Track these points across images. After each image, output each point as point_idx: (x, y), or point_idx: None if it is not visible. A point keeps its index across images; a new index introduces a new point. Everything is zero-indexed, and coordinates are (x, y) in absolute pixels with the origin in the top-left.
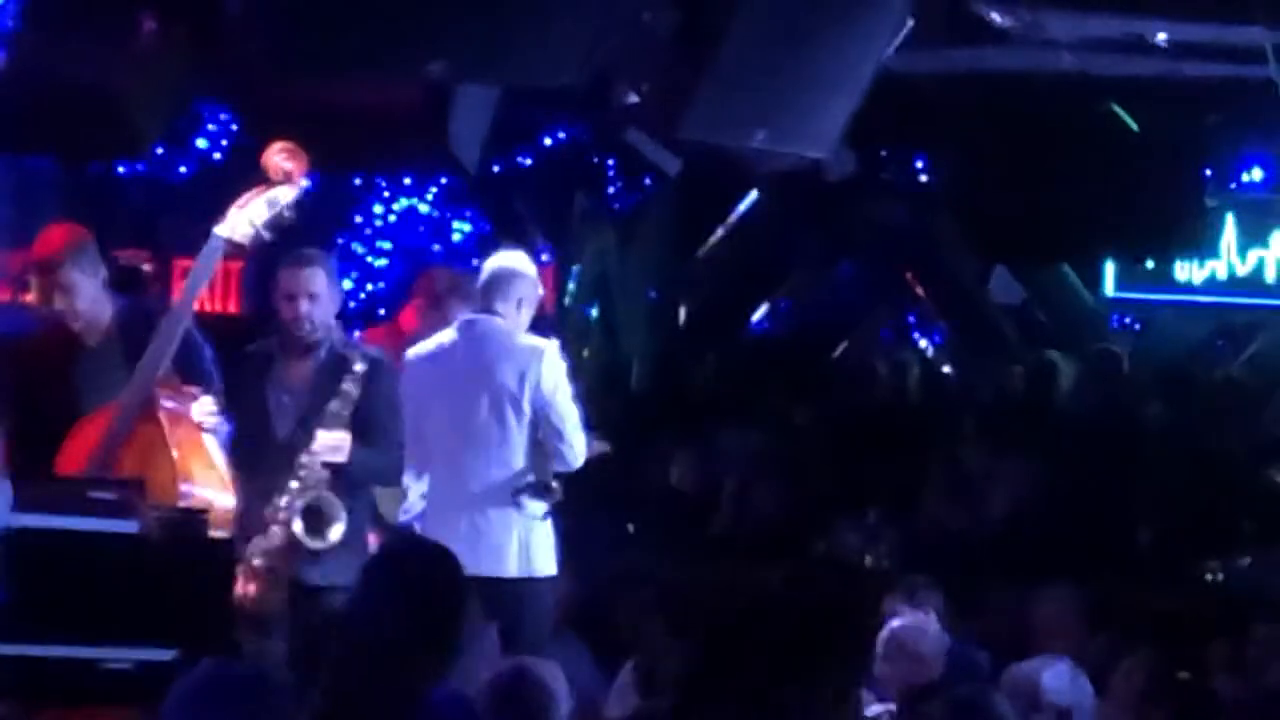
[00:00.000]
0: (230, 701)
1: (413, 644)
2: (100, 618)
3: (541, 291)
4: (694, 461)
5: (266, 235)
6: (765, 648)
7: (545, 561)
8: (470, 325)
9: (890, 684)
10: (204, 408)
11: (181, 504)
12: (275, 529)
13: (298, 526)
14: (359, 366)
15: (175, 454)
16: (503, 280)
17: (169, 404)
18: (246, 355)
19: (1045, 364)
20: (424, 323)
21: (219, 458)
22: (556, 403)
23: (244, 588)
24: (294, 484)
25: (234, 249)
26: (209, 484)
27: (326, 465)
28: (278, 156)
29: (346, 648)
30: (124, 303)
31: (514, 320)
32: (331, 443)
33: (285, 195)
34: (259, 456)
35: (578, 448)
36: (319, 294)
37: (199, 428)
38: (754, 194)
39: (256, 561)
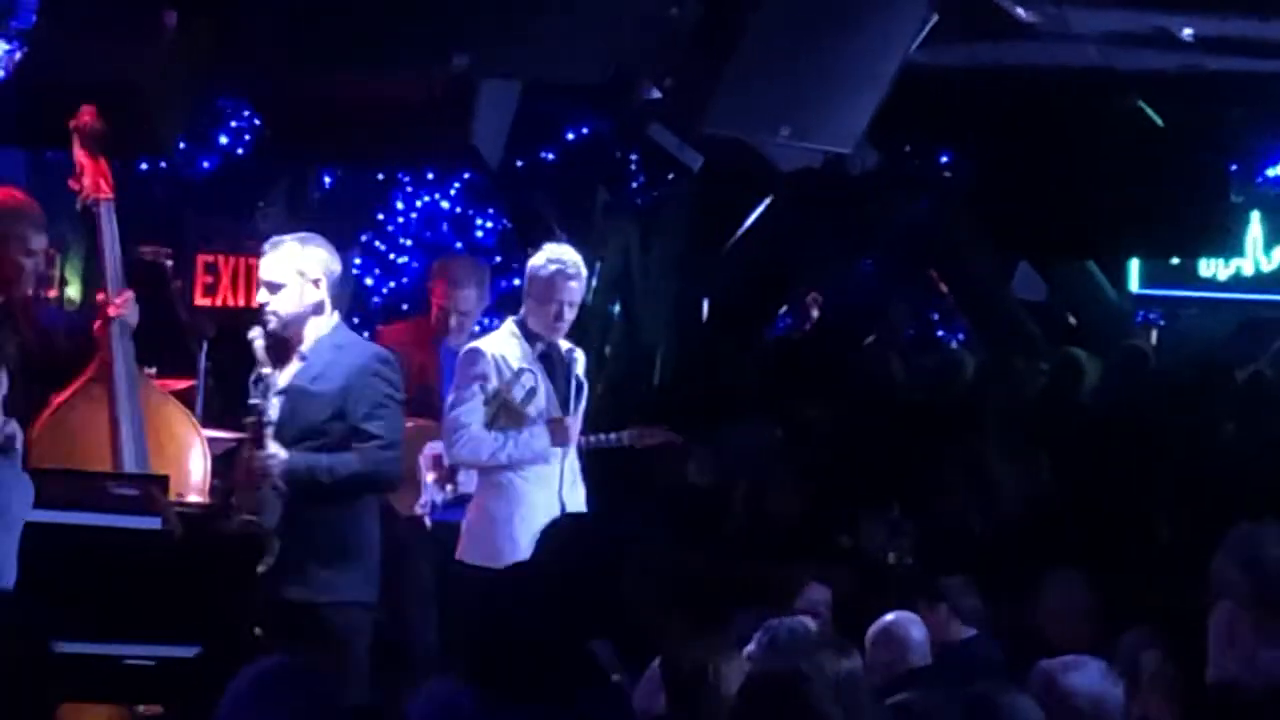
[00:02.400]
0: (286, 697)
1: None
2: (122, 614)
3: (579, 287)
4: (711, 457)
5: None
6: None
7: None
8: None
9: (874, 671)
10: None
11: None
12: None
13: None
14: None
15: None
16: None
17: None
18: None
19: (1069, 360)
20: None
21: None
22: None
23: None
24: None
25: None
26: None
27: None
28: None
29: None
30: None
31: (525, 311)
32: (268, 457)
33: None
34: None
35: None
36: (273, 282)
37: None
38: (775, 192)
39: None
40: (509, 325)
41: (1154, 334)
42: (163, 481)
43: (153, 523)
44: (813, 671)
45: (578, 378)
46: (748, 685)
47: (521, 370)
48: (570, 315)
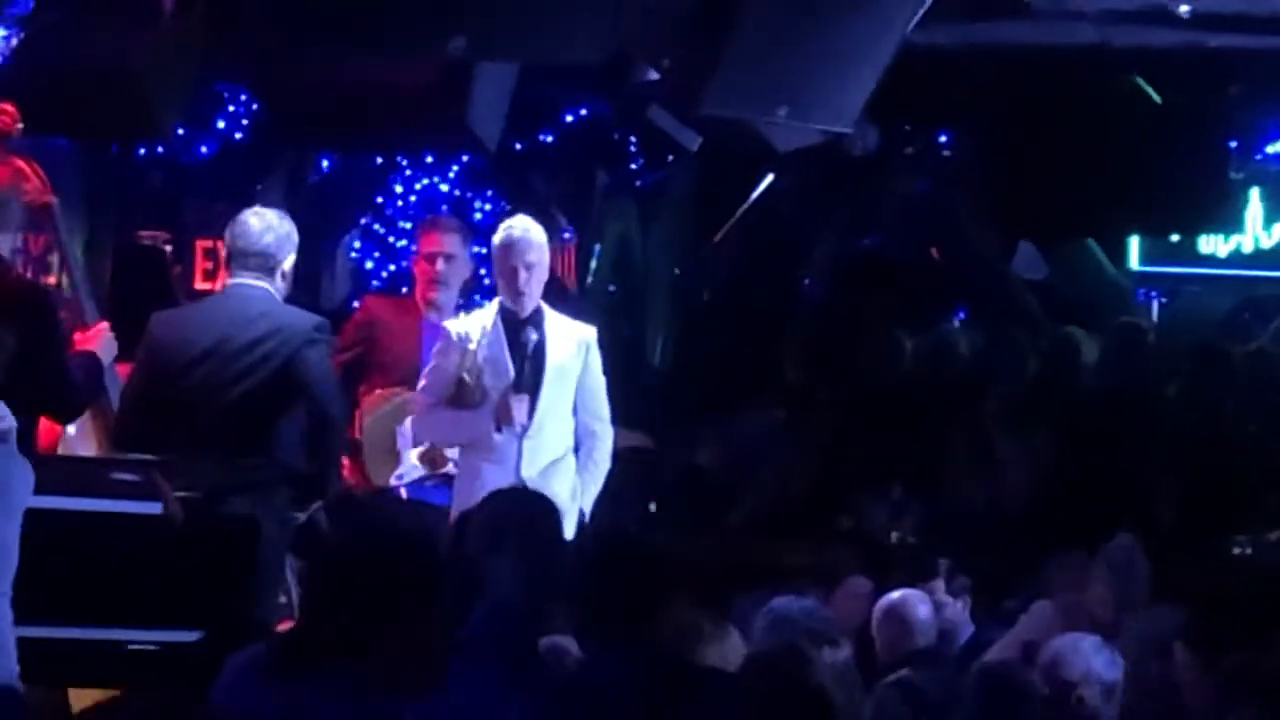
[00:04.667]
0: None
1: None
2: (124, 599)
3: (532, 253)
4: (720, 441)
5: None
6: None
7: None
8: None
9: (882, 649)
10: None
11: None
12: None
13: None
14: None
15: None
16: None
17: None
18: None
19: (1065, 339)
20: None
21: None
22: None
23: None
24: None
25: None
26: None
27: None
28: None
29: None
30: None
31: None
32: None
33: None
34: None
35: None
36: None
37: None
38: (775, 172)
39: None
40: (494, 302)
41: (1154, 311)
42: (164, 467)
43: (153, 508)
44: (812, 651)
45: (537, 356)
46: (748, 665)
47: (474, 348)
48: (526, 281)
